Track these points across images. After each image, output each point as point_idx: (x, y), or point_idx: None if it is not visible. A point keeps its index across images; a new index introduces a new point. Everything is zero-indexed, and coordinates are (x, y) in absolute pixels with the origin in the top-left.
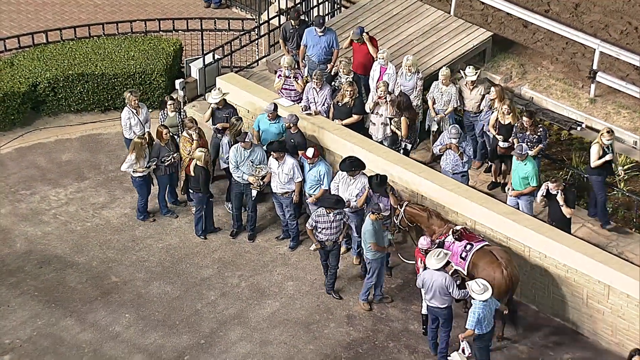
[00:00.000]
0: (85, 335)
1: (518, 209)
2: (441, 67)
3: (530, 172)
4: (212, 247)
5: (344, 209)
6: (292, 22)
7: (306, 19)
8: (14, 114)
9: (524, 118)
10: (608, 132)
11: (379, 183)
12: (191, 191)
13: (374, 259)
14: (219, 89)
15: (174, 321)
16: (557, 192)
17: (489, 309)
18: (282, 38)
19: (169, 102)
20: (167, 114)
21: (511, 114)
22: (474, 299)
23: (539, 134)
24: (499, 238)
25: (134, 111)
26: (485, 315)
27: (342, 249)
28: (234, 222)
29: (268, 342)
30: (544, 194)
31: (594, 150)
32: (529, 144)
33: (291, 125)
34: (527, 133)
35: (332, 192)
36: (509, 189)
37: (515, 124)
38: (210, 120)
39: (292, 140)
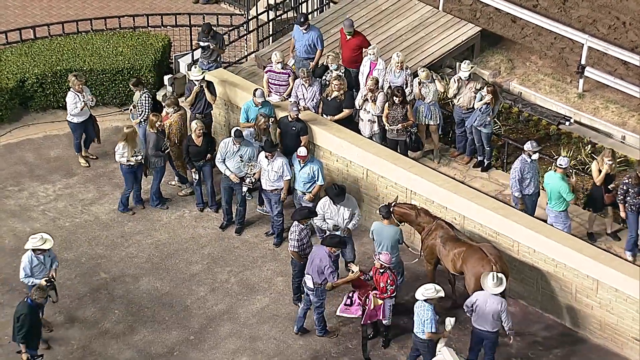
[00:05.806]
0: (74, 331)
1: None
2: (418, 68)
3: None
4: (201, 242)
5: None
6: (204, 36)
7: (217, 32)
8: (2, 110)
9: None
10: None
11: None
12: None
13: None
14: (198, 67)
15: (163, 317)
16: None
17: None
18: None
19: (131, 80)
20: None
21: (612, 163)
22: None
23: None
24: (488, 233)
25: (79, 95)
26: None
27: None
28: (224, 215)
29: (257, 338)
30: None
31: None
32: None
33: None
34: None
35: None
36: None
37: (628, 178)
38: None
39: (293, 128)
